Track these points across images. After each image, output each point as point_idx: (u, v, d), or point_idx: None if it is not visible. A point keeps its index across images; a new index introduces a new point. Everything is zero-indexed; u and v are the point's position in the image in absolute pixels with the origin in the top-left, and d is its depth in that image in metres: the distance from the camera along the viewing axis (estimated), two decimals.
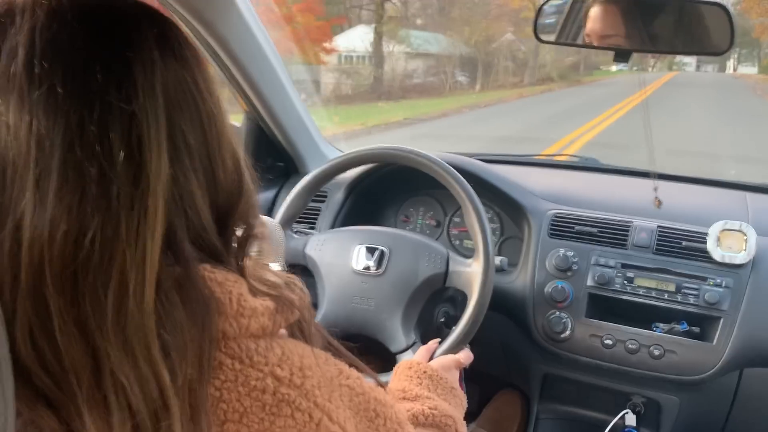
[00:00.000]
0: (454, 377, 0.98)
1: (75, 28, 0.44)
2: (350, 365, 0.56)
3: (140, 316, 0.42)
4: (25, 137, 0.42)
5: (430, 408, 0.79)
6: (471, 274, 1.09)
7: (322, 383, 0.49)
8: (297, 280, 0.57)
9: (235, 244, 0.53)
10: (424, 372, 0.89)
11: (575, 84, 22.45)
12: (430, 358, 1.03)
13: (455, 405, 0.88)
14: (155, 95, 0.46)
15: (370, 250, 1.15)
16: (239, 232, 0.54)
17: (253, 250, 0.53)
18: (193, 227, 0.48)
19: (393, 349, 1.10)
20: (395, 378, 0.91)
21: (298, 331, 0.54)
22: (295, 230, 1.25)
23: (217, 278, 0.48)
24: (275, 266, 1.03)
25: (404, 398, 0.83)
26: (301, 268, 1.19)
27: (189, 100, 0.49)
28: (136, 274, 0.43)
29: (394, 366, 0.95)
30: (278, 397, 0.46)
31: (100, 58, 0.44)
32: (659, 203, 1.29)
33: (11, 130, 0.42)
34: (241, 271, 0.51)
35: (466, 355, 1.03)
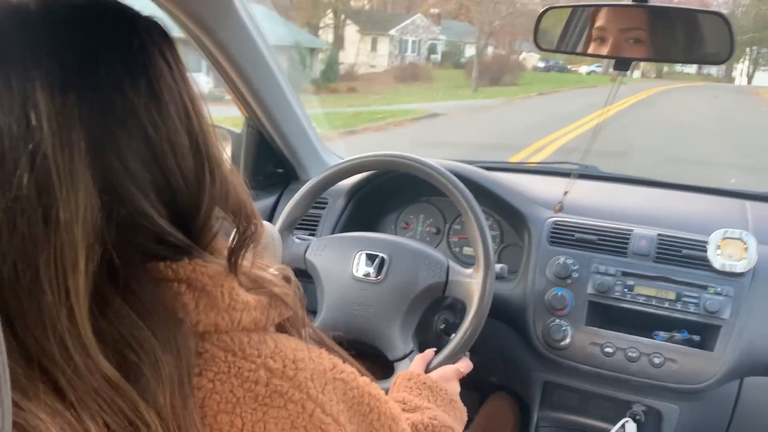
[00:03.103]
0: (454, 388, 0.97)
1: None
2: (344, 362, 0.55)
3: (90, 362, 0.40)
4: None
5: (430, 418, 0.79)
6: (471, 284, 1.09)
7: (315, 375, 0.49)
8: (292, 274, 0.56)
9: (230, 245, 0.52)
10: (424, 383, 0.89)
11: None
12: (427, 367, 1.02)
13: (455, 417, 0.88)
14: (68, 124, 0.41)
15: (371, 257, 1.15)
16: (233, 234, 0.52)
17: (250, 251, 0.53)
18: (152, 236, 0.46)
19: (390, 356, 1.10)
20: (395, 388, 0.91)
21: (292, 327, 0.54)
22: (295, 236, 1.25)
23: (208, 272, 0.48)
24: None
25: (404, 409, 0.83)
26: (301, 272, 1.19)
27: (125, 119, 0.44)
28: (67, 318, 0.40)
29: (391, 373, 0.95)
30: (271, 388, 0.46)
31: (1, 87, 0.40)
32: (561, 207, 1.37)
33: None
34: (234, 271, 0.51)
35: (465, 365, 1.03)
